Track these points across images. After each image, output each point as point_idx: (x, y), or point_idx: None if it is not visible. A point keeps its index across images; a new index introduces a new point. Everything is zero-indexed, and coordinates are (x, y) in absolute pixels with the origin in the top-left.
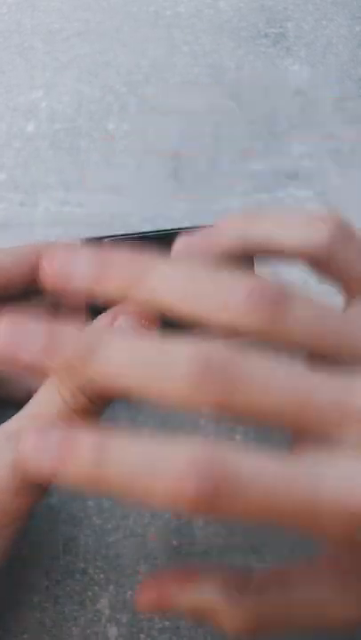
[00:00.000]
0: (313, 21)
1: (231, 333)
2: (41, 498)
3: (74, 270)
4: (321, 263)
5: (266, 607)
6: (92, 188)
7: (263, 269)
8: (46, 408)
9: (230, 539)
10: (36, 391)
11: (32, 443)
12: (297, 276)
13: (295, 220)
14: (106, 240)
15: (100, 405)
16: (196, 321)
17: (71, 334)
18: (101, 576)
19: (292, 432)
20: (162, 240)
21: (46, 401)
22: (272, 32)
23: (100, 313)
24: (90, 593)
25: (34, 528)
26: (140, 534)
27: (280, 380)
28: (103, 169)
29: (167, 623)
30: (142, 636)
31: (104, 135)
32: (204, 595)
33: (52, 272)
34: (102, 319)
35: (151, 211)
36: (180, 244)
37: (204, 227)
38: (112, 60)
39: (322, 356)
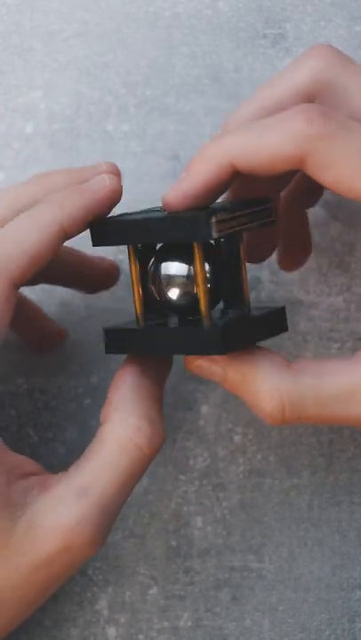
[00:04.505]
0: (312, 22)
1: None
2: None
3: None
4: (311, 163)
5: (299, 387)
6: None
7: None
8: (119, 458)
9: (229, 539)
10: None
11: None
12: (297, 275)
13: (262, 124)
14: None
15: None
16: (262, 162)
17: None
18: (100, 577)
19: None
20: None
21: (118, 450)
22: (271, 33)
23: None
24: (89, 594)
25: None
26: (139, 535)
27: None
28: None
29: (166, 624)
30: (141, 636)
31: (103, 136)
32: (248, 369)
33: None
34: (128, 364)
35: None
36: (168, 195)
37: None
38: (111, 60)
39: None
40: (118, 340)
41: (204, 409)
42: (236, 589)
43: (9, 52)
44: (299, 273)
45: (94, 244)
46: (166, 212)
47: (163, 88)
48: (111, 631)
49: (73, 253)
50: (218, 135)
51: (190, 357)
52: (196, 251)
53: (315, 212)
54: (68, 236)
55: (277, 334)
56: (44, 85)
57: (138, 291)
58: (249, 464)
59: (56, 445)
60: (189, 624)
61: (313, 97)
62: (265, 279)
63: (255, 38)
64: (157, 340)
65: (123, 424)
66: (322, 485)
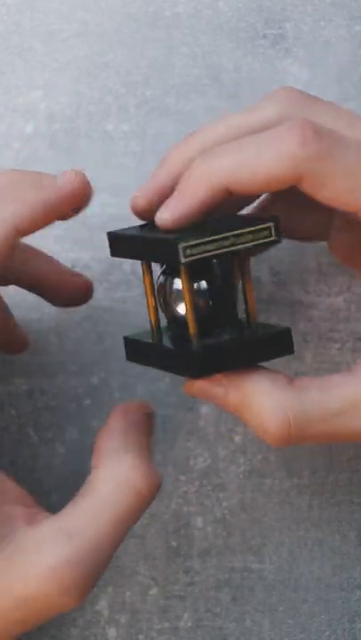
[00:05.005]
0: (312, 22)
1: (294, 180)
2: None
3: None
4: (307, 182)
5: (304, 405)
6: None
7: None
8: (114, 498)
9: (229, 539)
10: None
11: None
12: (297, 275)
13: (255, 144)
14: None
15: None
16: (257, 184)
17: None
18: None
19: None
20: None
21: (113, 489)
22: (271, 33)
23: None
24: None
25: None
26: (139, 535)
27: None
28: (102, 170)
29: (166, 624)
30: (141, 637)
31: (103, 136)
32: (250, 388)
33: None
34: (115, 415)
35: None
36: (163, 215)
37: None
38: (111, 60)
39: None
40: (132, 350)
41: (205, 409)
42: (236, 590)
43: (9, 52)
44: (299, 273)
45: (112, 254)
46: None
47: (163, 88)
48: (111, 631)
49: (48, 261)
50: (210, 154)
51: (189, 381)
52: (182, 272)
53: None
54: (23, 234)
55: (277, 357)
56: (43, 85)
57: (152, 304)
58: (249, 464)
59: (56, 445)
60: (190, 624)
61: None
62: (265, 280)
63: (255, 38)
64: (155, 356)
65: (118, 463)
66: (322, 485)
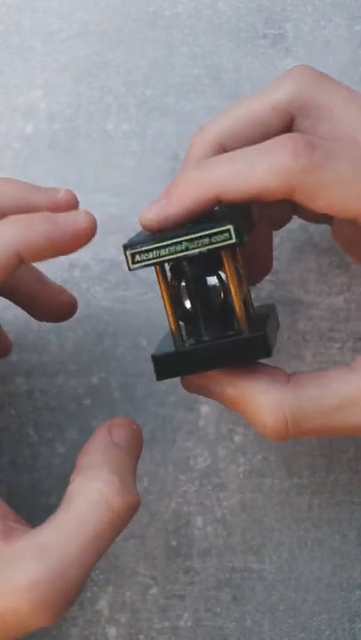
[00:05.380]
0: (312, 22)
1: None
2: None
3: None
4: (300, 194)
5: (301, 400)
6: (91, 188)
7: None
8: (86, 514)
9: (229, 539)
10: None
11: None
12: (297, 275)
13: (248, 156)
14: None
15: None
16: (249, 195)
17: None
18: (100, 577)
19: None
20: None
21: (86, 505)
22: (271, 33)
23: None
24: (89, 594)
25: None
26: (140, 535)
27: None
28: (102, 169)
29: (166, 623)
30: (141, 636)
31: (103, 135)
32: (248, 385)
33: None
34: (98, 432)
35: None
36: (148, 215)
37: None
38: (111, 60)
39: None
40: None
41: (205, 409)
42: (236, 589)
43: (9, 52)
44: (299, 273)
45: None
46: (190, 227)
47: (163, 88)
48: (111, 631)
49: (38, 277)
50: (203, 163)
51: (186, 377)
52: (156, 272)
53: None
54: (25, 262)
55: (252, 361)
56: (43, 85)
57: (169, 310)
58: (249, 464)
59: (56, 445)
60: (190, 624)
61: (293, 113)
62: (265, 279)
63: (255, 38)
64: (200, 356)
65: (92, 479)
66: (322, 485)
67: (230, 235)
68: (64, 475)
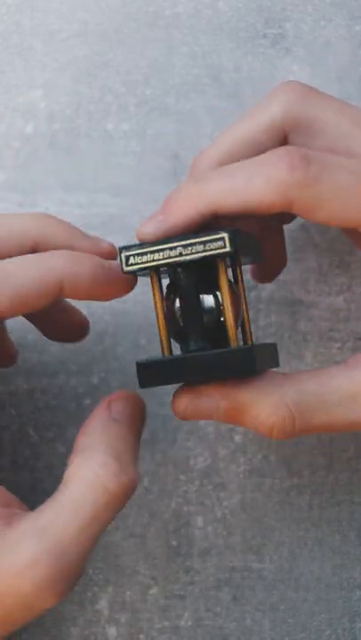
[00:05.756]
0: (312, 22)
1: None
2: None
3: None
4: (298, 207)
5: (304, 395)
6: (91, 188)
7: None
8: (82, 497)
9: (229, 539)
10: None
11: None
12: (297, 275)
13: (245, 171)
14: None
15: (137, 462)
16: (246, 209)
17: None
18: (100, 576)
19: None
20: None
21: (82, 487)
22: (271, 33)
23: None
24: (89, 593)
25: None
26: (140, 535)
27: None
28: (102, 169)
29: (166, 623)
30: (142, 636)
31: (103, 135)
32: (243, 392)
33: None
34: (97, 409)
35: (150, 211)
36: (146, 230)
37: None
38: (111, 60)
39: None
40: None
41: None
42: (236, 589)
43: (9, 52)
44: (299, 273)
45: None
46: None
47: (163, 88)
48: (112, 631)
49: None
50: (200, 178)
51: (177, 401)
52: (151, 278)
53: None
54: (63, 295)
55: (235, 376)
56: (43, 85)
57: (160, 319)
58: (249, 464)
59: (57, 445)
60: (190, 624)
61: (287, 130)
62: None
63: (255, 38)
64: (186, 367)
65: (88, 461)
66: (322, 485)
67: (225, 243)
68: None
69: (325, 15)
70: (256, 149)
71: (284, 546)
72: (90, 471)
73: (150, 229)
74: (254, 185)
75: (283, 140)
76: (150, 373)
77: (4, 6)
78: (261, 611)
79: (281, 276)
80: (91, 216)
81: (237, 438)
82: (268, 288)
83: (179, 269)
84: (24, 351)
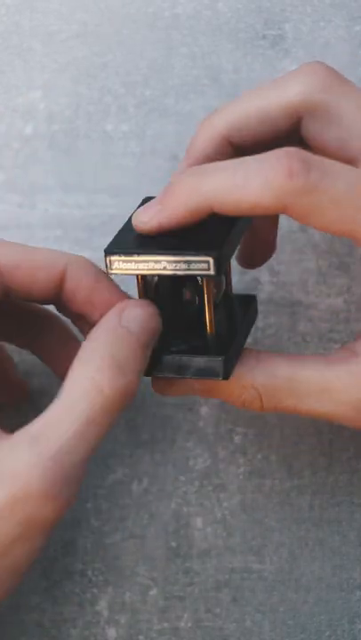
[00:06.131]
0: (311, 23)
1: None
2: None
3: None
4: (293, 212)
5: (273, 379)
6: (90, 189)
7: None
8: (76, 401)
9: (229, 540)
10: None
11: None
12: (296, 276)
13: (244, 169)
14: None
15: (141, 372)
16: (241, 209)
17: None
18: (100, 578)
19: None
20: None
21: (76, 391)
22: (270, 34)
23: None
24: (89, 594)
25: None
26: (139, 536)
27: None
28: (102, 170)
29: (166, 624)
30: (141, 637)
31: (102, 136)
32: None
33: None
34: (108, 314)
35: None
36: (142, 218)
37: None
38: (110, 61)
39: None
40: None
41: (204, 410)
42: (236, 590)
43: (8, 53)
44: (299, 274)
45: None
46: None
47: (162, 88)
48: (111, 632)
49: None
50: (200, 170)
51: (155, 380)
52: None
53: None
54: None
55: (209, 378)
56: (43, 86)
57: None
58: (249, 465)
59: None
60: (189, 625)
61: (302, 113)
62: (264, 280)
63: (254, 39)
64: (165, 362)
65: (85, 366)
66: (322, 486)
67: (209, 266)
68: None
69: (325, 16)
70: (267, 125)
71: (284, 547)
72: (86, 376)
73: (146, 219)
74: (251, 186)
75: (296, 123)
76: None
77: (4, 7)
78: (261, 612)
79: (281, 277)
80: (90, 217)
81: (237, 439)
82: (267, 289)
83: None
84: (24, 351)
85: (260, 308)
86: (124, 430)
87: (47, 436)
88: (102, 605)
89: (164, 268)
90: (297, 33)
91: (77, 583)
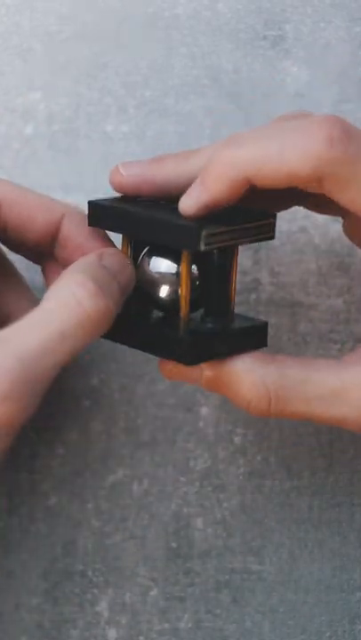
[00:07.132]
0: (311, 23)
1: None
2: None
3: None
4: (328, 183)
5: (285, 380)
6: (90, 189)
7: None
8: (53, 311)
9: (229, 540)
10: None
11: None
12: (297, 277)
13: (281, 137)
14: None
15: (117, 306)
16: (278, 180)
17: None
18: (100, 578)
19: None
20: None
21: (54, 302)
22: (270, 34)
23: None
24: (89, 595)
25: (33, 530)
26: (139, 536)
27: None
28: (102, 171)
29: (166, 625)
30: (141, 638)
31: (102, 137)
32: (228, 365)
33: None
34: (89, 254)
35: None
36: (185, 204)
37: None
38: (110, 61)
39: None
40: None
41: (204, 410)
42: (236, 591)
43: (8, 53)
44: (299, 274)
45: (89, 224)
46: (175, 211)
47: (162, 89)
48: (111, 633)
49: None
50: (234, 142)
51: (164, 362)
52: (185, 258)
53: (314, 214)
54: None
55: (254, 350)
56: (43, 86)
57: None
58: (249, 465)
59: (55, 446)
60: (190, 625)
61: (320, 176)
62: (265, 281)
63: (255, 39)
64: (137, 333)
65: (66, 280)
66: (322, 487)
67: (271, 228)
68: (63, 476)
69: (325, 17)
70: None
71: (283, 547)
72: (67, 290)
73: (191, 202)
74: (289, 154)
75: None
76: (195, 351)
77: (4, 7)
78: (261, 612)
79: (281, 278)
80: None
81: (237, 440)
82: (267, 290)
83: (215, 250)
84: None
85: (260, 308)
86: (124, 431)
87: (17, 338)
88: (103, 606)
89: (240, 237)
90: (297, 34)
91: (78, 584)
